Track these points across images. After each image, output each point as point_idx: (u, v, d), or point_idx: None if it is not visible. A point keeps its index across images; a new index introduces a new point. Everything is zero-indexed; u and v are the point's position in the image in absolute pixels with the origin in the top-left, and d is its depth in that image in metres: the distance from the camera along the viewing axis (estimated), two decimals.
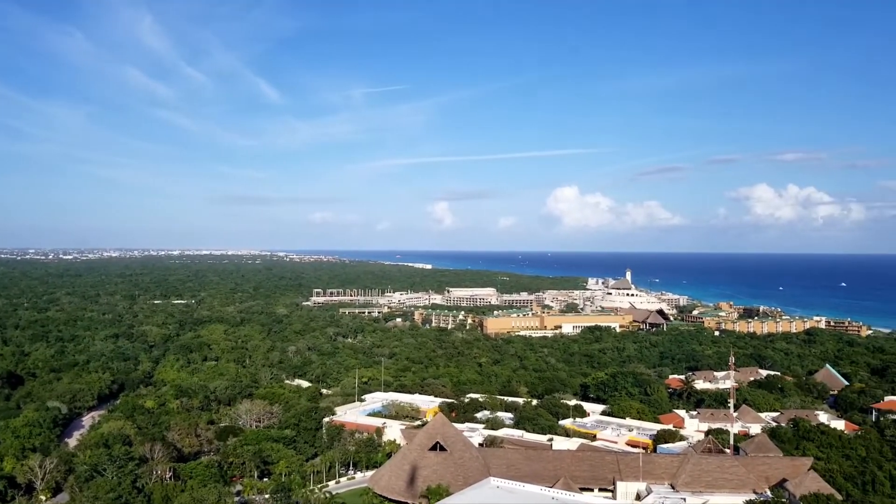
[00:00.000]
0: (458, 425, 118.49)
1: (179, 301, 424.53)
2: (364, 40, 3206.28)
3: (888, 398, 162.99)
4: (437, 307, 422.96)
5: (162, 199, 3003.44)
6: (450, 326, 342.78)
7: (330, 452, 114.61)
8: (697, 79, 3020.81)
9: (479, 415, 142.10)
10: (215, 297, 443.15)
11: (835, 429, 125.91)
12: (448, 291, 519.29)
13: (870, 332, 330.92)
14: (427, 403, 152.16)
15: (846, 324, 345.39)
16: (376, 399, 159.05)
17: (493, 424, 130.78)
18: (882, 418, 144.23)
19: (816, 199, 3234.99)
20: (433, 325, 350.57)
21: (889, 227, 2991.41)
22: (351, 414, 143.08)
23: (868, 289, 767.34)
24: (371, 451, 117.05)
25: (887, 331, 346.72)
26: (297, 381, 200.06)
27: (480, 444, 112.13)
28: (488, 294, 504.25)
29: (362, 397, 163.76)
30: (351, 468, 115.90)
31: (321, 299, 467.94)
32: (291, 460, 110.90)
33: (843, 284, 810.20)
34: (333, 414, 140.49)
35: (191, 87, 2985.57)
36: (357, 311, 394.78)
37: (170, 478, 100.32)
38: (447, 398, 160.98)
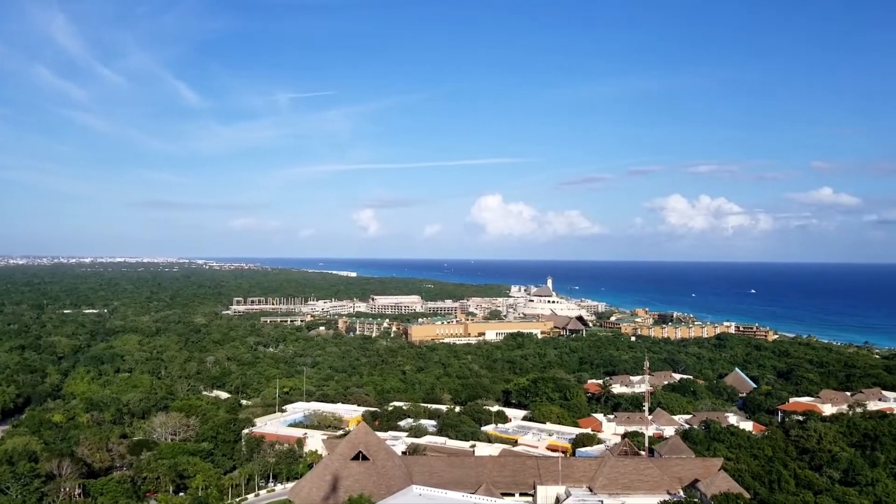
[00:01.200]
0: (381, 434, 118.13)
1: (91, 311, 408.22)
2: (290, 45, 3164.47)
3: (793, 400, 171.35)
4: (361, 315, 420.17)
5: (74, 204, 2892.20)
6: (374, 334, 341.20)
7: (249, 465, 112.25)
8: (618, 91, 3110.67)
9: (402, 423, 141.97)
10: (129, 307, 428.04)
11: (743, 430, 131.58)
12: (373, 299, 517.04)
13: (776, 336, 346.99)
14: (350, 412, 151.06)
15: (754, 329, 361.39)
16: (298, 409, 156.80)
17: (417, 432, 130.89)
18: (787, 419, 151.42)
19: (727, 210, 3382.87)
20: (357, 333, 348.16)
21: (794, 237, 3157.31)
22: (272, 425, 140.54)
23: (775, 295, 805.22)
24: (292, 463, 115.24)
25: (792, 335, 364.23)
26: (216, 393, 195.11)
27: (404, 452, 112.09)
28: (413, 302, 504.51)
29: (283, 408, 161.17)
30: (271, 480, 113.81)
31: (242, 308, 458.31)
32: (209, 474, 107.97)
33: (753, 291, 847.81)
34: (253, 425, 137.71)
35: (106, 88, 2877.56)
36: (279, 319, 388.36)
37: (79, 495, 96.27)
38: (371, 407, 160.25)
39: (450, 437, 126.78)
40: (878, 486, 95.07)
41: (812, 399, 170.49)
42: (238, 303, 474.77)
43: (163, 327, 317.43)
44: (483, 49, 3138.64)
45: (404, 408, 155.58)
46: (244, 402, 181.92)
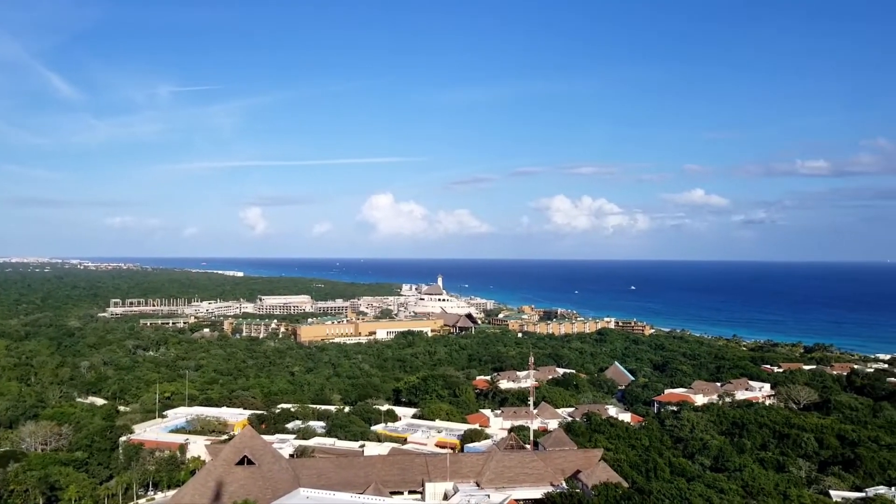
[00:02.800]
0: (267, 437, 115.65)
1: None
2: (172, 37, 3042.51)
3: (668, 391, 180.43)
4: (248, 316, 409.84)
5: None
6: (262, 335, 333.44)
7: (127, 473, 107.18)
8: (503, 94, 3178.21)
9: (290, 425, 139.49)
10: None
11: (622, 421, 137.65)
12: (260, 300, 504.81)
13: (652, 330, 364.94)
14: (235, 416, 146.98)
15: (632, 324, 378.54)
16: (180, 414, 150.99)
17: (305, 434, 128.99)
18: (662, 410, 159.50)
19: (608, 210, 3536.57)
20: (244, 334, 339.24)
21: (669, 236, 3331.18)
22: (151, 431, 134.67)
23: (653, 291, 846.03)
24: (173, 470, 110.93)
25: (667, 329, 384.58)
26: (91, 399, 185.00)
27: (291, 455, 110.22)
28: (302, 301, 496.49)
29: (164, 413, 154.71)
30: (151, 489, 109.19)
31: (119, 310, 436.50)
32: (83, 484, 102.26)
33: (633, 288, 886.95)
34: (131, 432, 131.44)
35: None
36: (160, 321, 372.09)
37: None
38: (257, 410, 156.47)
39: (339, 438, 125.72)
40: (745, 471, 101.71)
41: (685, 390, 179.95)
42: (115, 304, 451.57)
43: (33, 331, 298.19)
44: (373, 48, 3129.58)
45: (292, 410, 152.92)
46: (122, 408, 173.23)
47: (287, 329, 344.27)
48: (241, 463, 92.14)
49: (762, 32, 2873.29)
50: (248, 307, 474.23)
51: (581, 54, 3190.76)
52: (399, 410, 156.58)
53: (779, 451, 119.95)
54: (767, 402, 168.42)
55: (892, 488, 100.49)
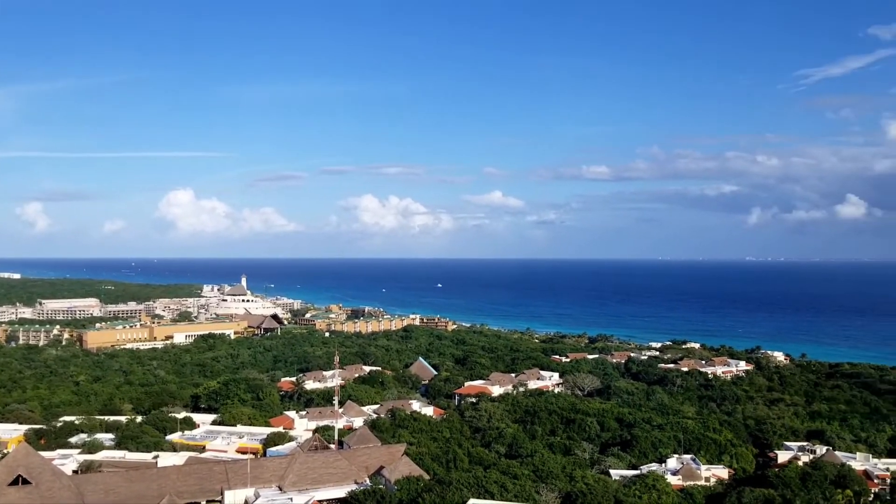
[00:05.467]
0: (47, 453, 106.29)
1: None
2: None
3: (468, 383, 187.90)
4: (26, 322, 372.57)
5: None
6: (42, 343, 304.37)
7: None
8: (309, 92, 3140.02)
9: (74, 439, 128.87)
10: None
11: (425, 415, 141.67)
12: (41, 304, 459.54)
13: (455, 326, 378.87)
14: (9, 433, 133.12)
15: (436, 320, 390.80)
16: None
17: (91, 448, 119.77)
18: (462, 402, 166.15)
19: (414, 210, 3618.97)
20: (21, 342, 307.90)
21: (471, 235, 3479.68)
22: None
23: (457, 288, 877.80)
24: None
25: (468, 324, 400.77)
26: None
27: (75, 471, 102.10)
28: (90, 305, 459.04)
29: None
30: None
31: None
32: None
33: (440, 285, 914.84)
34: None
35: None
36: None
37: None
38: (36, 424, 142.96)
39: (130, 450, 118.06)
40: (536, 456, 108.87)
41: (484, 382, 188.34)
42: None
43: None
44: (171, 35, 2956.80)
45: (77, 422, 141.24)
46: None
47: (72, 335, 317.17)
48: (14, 483, 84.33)
49: (547, 56, 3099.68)
50: (26, 312, 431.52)
51: (389, 57, 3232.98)
52: (197, 417, 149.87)
53: (566, 436, 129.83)
54: (557, 390, 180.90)
55: (663, 464, 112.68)
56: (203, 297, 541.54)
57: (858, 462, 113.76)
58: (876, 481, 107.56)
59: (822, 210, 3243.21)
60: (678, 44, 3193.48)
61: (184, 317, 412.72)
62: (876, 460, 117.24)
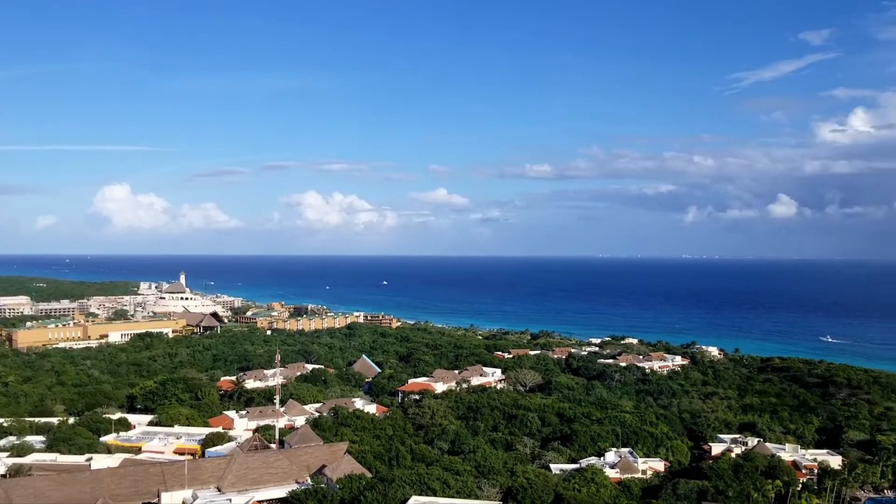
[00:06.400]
0: None
1: None
2: None
3: (411, 381, 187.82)
4: None
5: None
6: None
7: None
8: (250, 86, 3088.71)
9: (2, 442, 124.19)
10: None
11: (368, 413, 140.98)
12: None
13: (399, 323, 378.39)
14: None
15: (381, 317, 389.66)
16: None
17: (20, 451, 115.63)
18: (406, 399, 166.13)
19: (359, 207, 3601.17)
20: None
21: (416, 232, 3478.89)
22: None
23: (402, 286, 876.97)
24: None
25: (412, 322, 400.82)
26: None
27: (3, 475, 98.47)
28: (20, 303, 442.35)
29: None
30: None
31: None
32: None
33: (385, 283, 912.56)
34: None
35: None
36: None
37: None
38: None
39: (62, 453, 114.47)
40: (478, 452, 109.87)
41: (427, 379, 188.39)
42: None
43: None
44: (108, 28, 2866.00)
45: (5, 425, 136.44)
46: None
47: (1, 334, 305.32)
48: None
49: (489, 53, 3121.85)
50: None
51: (332, 51, 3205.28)
52: (133, 418, 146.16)
53: (508, 431, 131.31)
54: (499, 387, 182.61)
55: (602, 458, 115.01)
56: (140, 294, 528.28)
57: (787, 453, 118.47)
58: (804, 471, 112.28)
59: (754, 209, 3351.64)
60: (618, 45, 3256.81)
61: (120, 315, 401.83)
62: (804, 451, 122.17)
